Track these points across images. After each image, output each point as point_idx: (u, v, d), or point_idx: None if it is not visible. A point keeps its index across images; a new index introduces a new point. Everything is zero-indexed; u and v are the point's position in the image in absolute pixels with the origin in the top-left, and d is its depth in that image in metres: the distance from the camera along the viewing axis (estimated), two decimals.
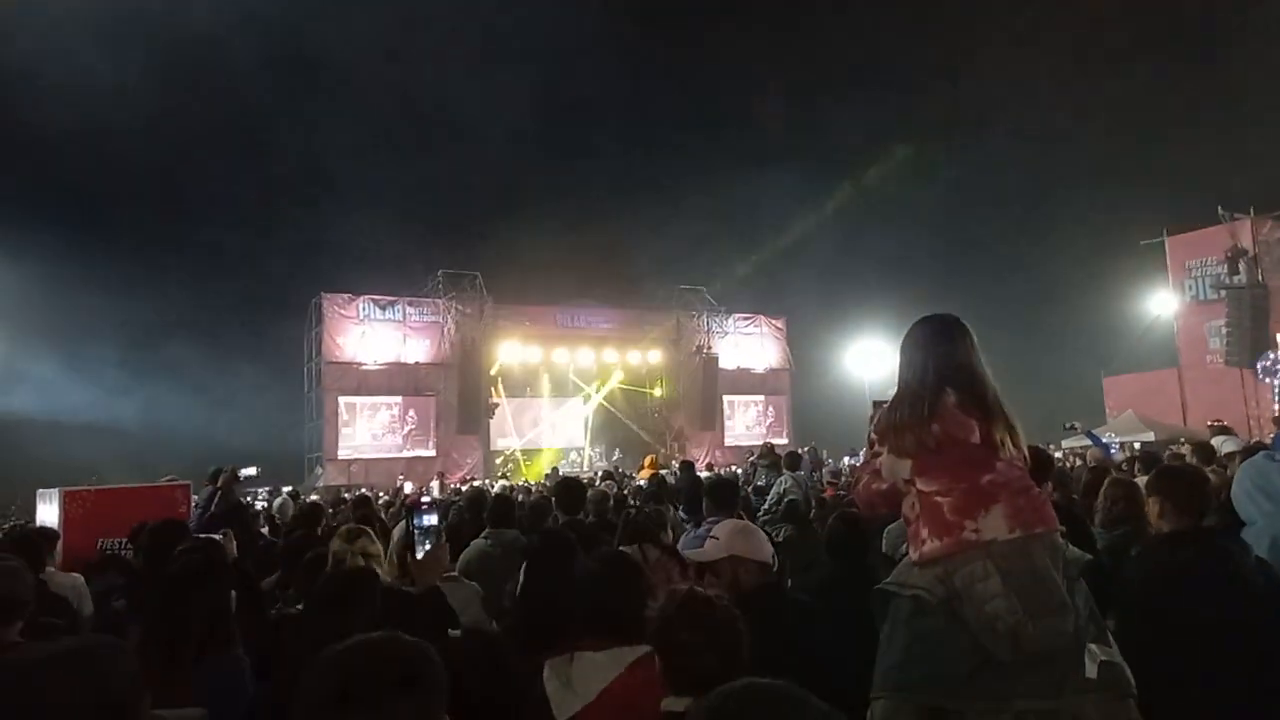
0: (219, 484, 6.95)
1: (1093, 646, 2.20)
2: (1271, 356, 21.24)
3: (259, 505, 13.26)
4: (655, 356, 31.18)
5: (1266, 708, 2.68)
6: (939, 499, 2.37)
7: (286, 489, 17.42)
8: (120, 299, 23.65)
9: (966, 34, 34.66)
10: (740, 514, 5.18)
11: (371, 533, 3.87)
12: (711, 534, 3.47)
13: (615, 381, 30.85)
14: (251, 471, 7.58)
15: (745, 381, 32.92)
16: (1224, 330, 23.97)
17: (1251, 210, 25.05)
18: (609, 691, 2.30)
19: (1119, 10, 32.92)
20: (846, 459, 20.33)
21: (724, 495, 5.09)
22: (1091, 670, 2.17)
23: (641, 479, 12.90)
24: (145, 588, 3.78)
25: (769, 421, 32.74)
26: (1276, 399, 21.18)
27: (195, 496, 7.93)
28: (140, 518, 5.78)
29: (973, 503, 2.34)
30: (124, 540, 6.41)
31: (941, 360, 2.48)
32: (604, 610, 2.47)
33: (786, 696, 1.43)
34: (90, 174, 27.99)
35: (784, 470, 9.35)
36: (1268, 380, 21.32)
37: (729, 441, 31.17)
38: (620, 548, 4.29)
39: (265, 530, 9.16)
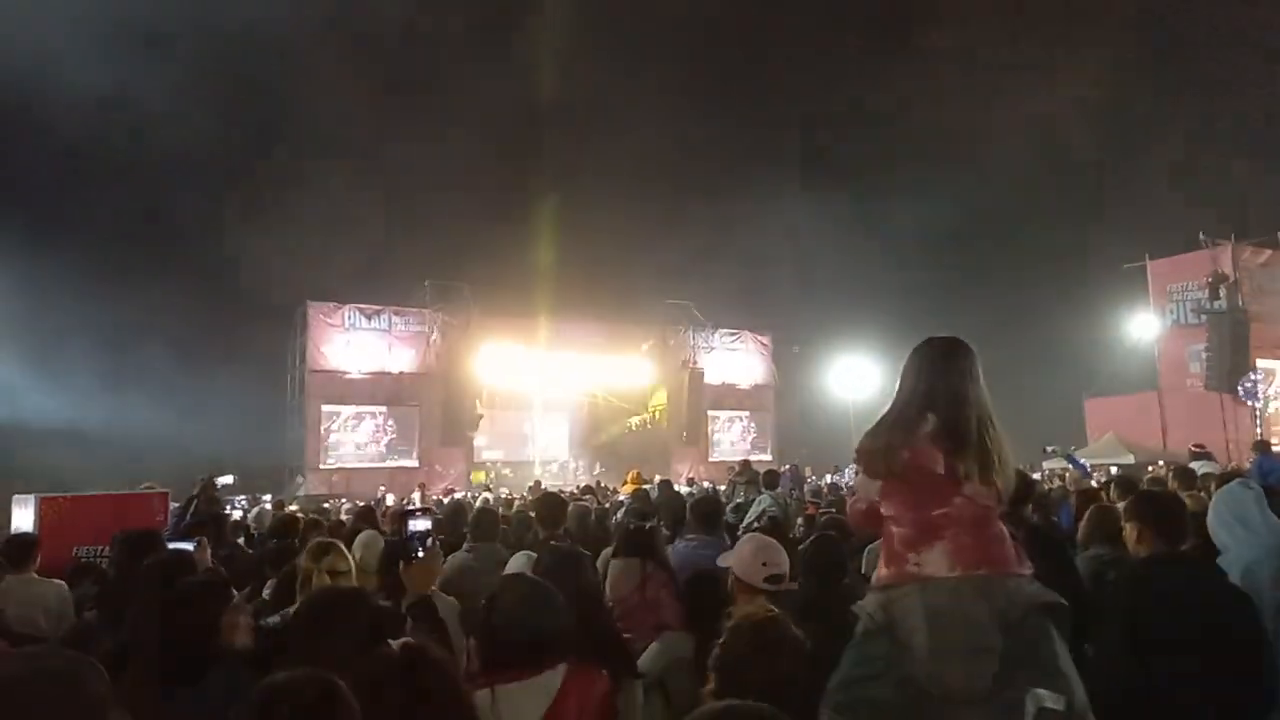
0: (195, 492, 6.90)
1: (1040, 692, 2.16)
2: (1254, 378, 21.42)
3: (237, 515, 13.11)
4: (641, 370, 31.17)
5: None
6: (894, 527, 2.41)
7: (266, 498, 17.27)
8: (96, 303, 23.30)
9: (954, 62, 35.05)
10: (723, 534, 5.19)
11: (343, 548, 3.81)
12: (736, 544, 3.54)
13: (599, 394, 30.87)
14: (229, 480, 7.53)
15: (730, 397, 32.94)
16: (1204, 355, 24.18)
17: (1233, 236, 25.36)
18: None
19: (1103, 38, 33.36)
20: (829, 476, 20.36)
21: (708, 513, 5.09)
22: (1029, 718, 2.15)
23: (624, 494, 12.87)
24: (117, 598, 3.74)
25: (753, 437, 32.77)
26: (1259, 423, 21.34)
27: (175, 504, 7.86)
28: (117, 526, 5.72)
29: (919, 536, 2.36)
30: (101, 548, 6.35)
31: (929, 385, 2.47)
32: (519, 640, 2.44)
33: (764, 716, 1.42)
34: (64, 174, 27.56)
35: (762, 489, 9.37)
36: (1249, 402, 21.48)
37: (714, 457, 31.13)
38: (615, 559, 4.28)
39: (241, 540, 9.07)
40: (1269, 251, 26.08)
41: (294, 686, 1.50)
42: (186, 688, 2.58)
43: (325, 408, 26.18)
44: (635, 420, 31.67)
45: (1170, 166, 30.66)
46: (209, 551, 5.04)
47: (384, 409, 27.04)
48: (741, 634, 2.29)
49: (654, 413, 31.63)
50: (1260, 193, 27.75)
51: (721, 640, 2.35)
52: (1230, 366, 22.77)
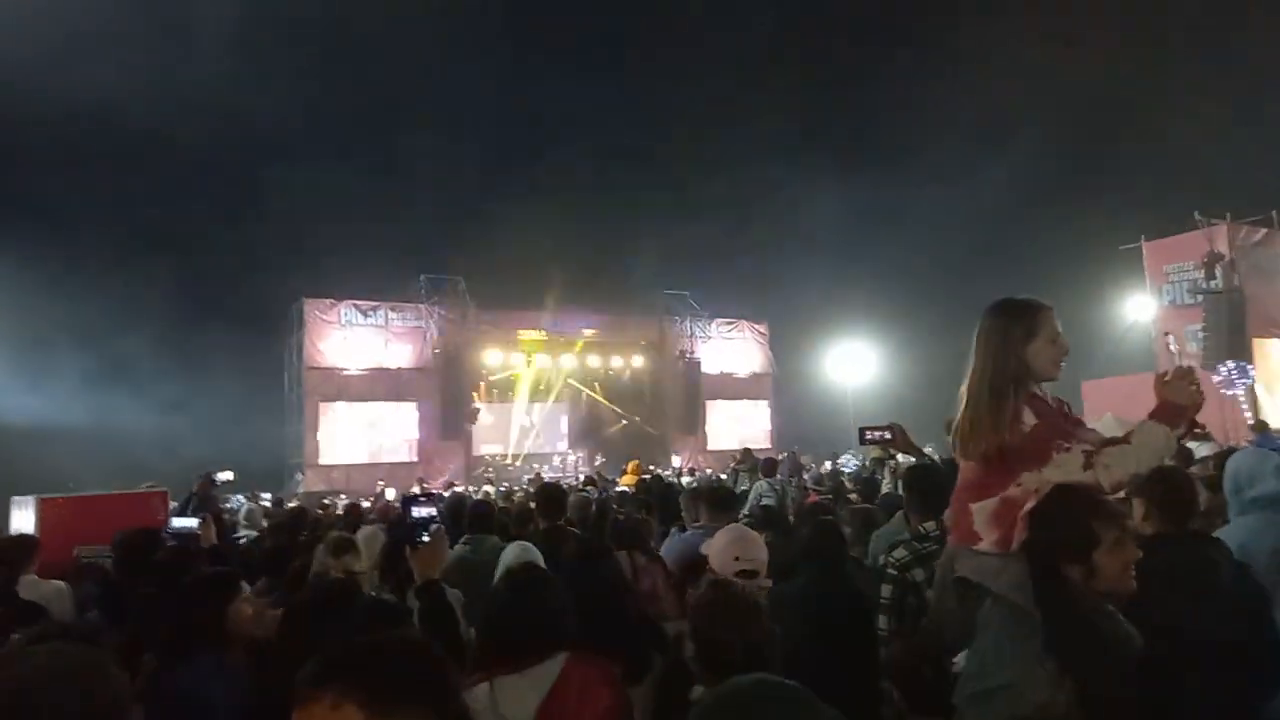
0: (194, 489, 6.92)
1: (965, 653, 2.44)
2: (1227, 368, 21.30)
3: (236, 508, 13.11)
4: (638, 361, 31.19)
5: (1241, 712, 2.70)
6: None
7: (266, 495, 17.27)
8: (84, 300, 23.03)
9: (950, 50, 34.94)
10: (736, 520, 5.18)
11: (360, 548, 3.84)
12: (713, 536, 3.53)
13: (597, 385, 30.89)
14: (228, 476, 7.53)
15: (728, 386, 32.96)
16: (1201, 334, 24.19)
17: (1228, 216, 25.31)
18: (545, 712, 2.31)
19: (1098, 17, 33.28)
20: (829, 464, 20.38)
21: (723, 502, 5.08)
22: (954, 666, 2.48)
23: (625, 485, 12.87)
24: (119, 598, 3.75)
25: (751, 426, 32.79)
26: (1245, 408, 21.21)
27: (174, 504, 7.87)
28: (118, 525, 5.73)
29: None
30: (103, 548, 6.35)
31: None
32: (515, 630, 2.46)
33: (798, 697, 1.41)
34: (51, 167, 27.05)
35: (760, 476, 9.39)
36: (1226, 392, 21.31)
37: (711, 446, 31.20)
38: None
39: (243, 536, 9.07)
40: (1264, 230, 26.08)
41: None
42: (171, 672, 2.62)
43: (323, 405, 26.19)
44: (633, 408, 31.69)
45: (1166, 147, 30.62)
46: (213, 530, 5.08)
47: (382, 405, 27.04)
48: (707, 598, 2.35)
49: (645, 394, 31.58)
50: (1256, 171, 27.71)
51: (693, 607, 2.41)
52: (1226, 346, 22.77)
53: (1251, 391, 21.85)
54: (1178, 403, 2.34)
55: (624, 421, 31.11)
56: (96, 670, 1.61)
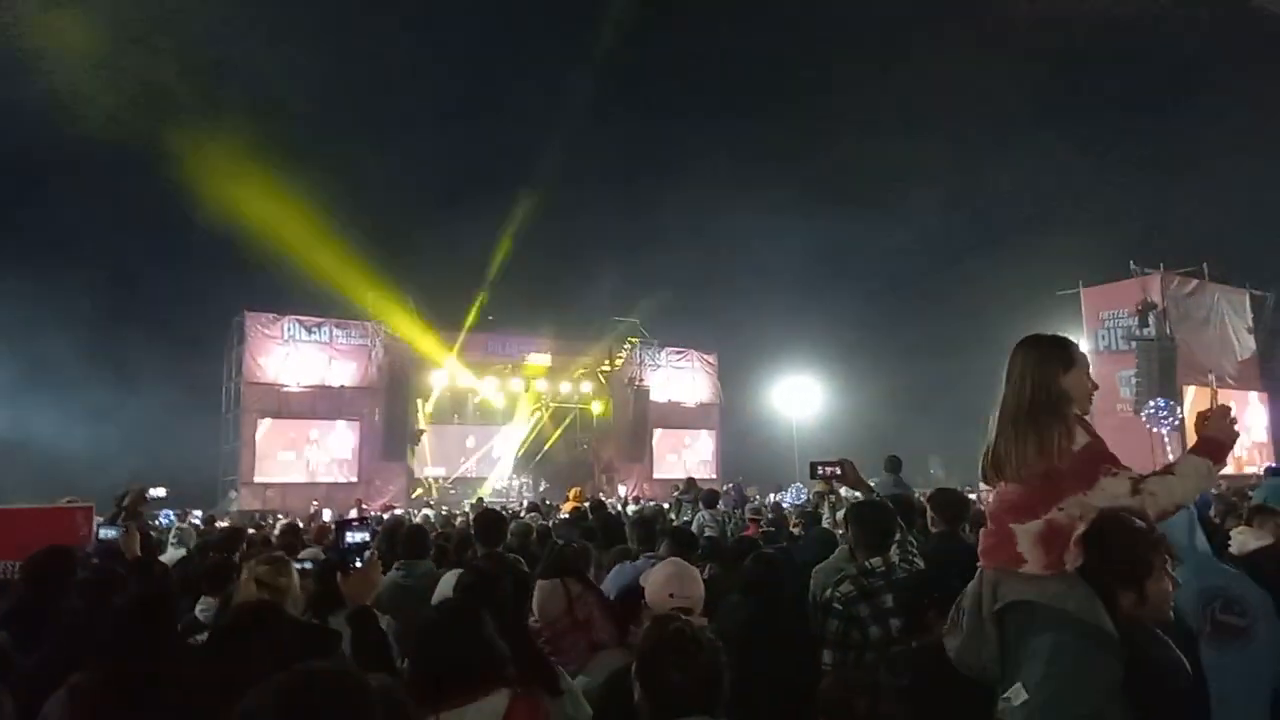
0: (123, 504, 6.65)
1: (1016, 685, 2.24)
2: (1155, 405, 21.95)
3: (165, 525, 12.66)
4: (586, 387, 31.12)
5: None
6: None
7: (197, 513, 16.75)
8: (13, 306, 22.09)
9: (901, 92, 35.79)
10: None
11: (291, 565, 3.73)
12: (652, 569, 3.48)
13: (544, 411, 30.72)
14: (160, 492, 7.27)
15: (675, 415, 33.01)
16: (1134, 380, 24.91)
17: (1161, 266, 26.27)
18: None
19: (1040, 69, 34.38)
20: (773, 495, 20.43)
21: (685, 541, 5.06)
22: (1001, 705, 2.26)
23: (567, 512, 12.75)
24: (31, 617, 3.60)
25: (698, 456, 32.85)
26: (1170, 449, 21.81)
27: (99, 519, 7.59)
28: (39, 540, 5.50)
29: None
30: (18, 564, 6.09)
31: None
32: (457, 664, 2.42)
33: None
34: None
35: (701, 506, 9.37)
36: (1154, 429, 21.94)
37: (657, 474, 31.16)
38: (540, 580, 4.22)
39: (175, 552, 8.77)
40: (1195, 281, 27.10)
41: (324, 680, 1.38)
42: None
43: (262, 421, 25.58)
44: (580, 434, 31.56)
45: (1104, 198, 31.67)
46: (136, 540, 4.91)
47: (323, 423, 26.52)
48: (651, 637, 2.29)
49: (592, 421, 31.51)
50: (1189, 224, 28.81)
51: (638, 647, 2.35)
52: (1158, 391, 23.48)
53: (1180, 435, 22.48)
54: (1218, 439, 2.39)
55: (573, 447, 30.96)
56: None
